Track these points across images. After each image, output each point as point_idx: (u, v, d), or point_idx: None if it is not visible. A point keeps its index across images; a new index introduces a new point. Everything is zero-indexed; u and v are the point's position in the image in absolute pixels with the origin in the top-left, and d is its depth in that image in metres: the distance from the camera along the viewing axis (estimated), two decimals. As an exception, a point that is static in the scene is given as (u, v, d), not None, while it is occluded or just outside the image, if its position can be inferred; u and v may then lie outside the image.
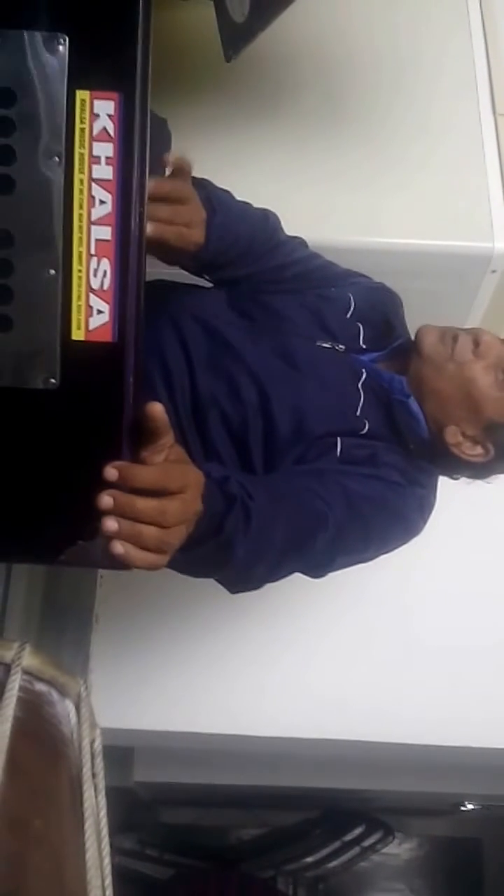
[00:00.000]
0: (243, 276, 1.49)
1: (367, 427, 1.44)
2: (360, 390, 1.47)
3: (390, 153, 1.99)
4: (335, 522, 1.28)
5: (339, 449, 1.39)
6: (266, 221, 1.49)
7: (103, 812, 0.90)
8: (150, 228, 1.16)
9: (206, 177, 1.38)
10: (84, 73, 0.93)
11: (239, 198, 1.44)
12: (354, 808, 3.31)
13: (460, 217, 1.96)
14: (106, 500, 0.89)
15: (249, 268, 1.48)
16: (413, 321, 1.61)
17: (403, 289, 1.66)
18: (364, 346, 1.53)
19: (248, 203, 1.47)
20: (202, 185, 1.36)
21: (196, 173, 1.31)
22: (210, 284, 1.53)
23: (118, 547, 0.90)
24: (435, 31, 2.14)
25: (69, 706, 0.97)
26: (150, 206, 1.14)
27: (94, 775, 0.94)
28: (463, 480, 1.61)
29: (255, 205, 1.48)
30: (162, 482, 0.94)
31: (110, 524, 0.89)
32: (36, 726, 0.92)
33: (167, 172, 1.27)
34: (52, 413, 0.96)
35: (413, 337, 1.54)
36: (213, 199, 1.36)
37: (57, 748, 0.93)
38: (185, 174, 1.28)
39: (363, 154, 1.98)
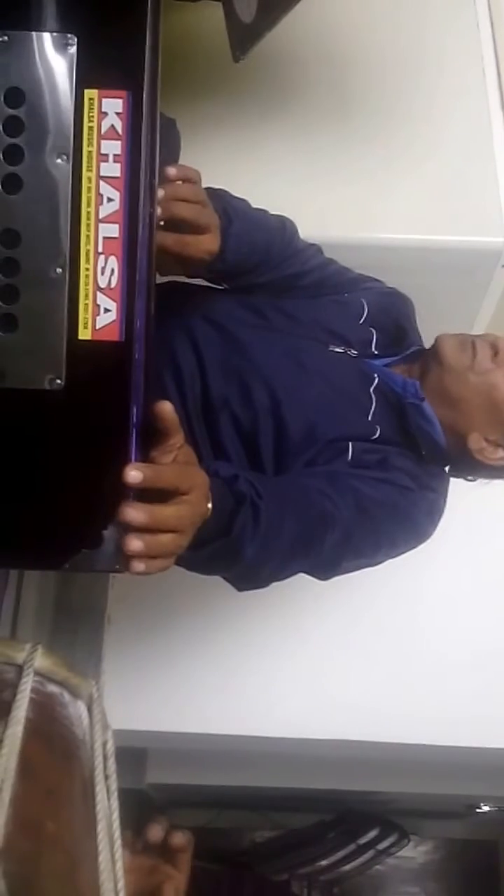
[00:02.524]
0: (260, 283, 1.48)
1: (378, 432, 1.44)
2: (372, 395, 1.47)
3: (398, 149, 1.98)
4: (344, 523, 1.28)
5: (350, 453, 1.39)
6: (283, 229, 1.48)
7: (116, 814, 0.89)
8: (166, 238, 1.16)
9: (213, 174, 1.37)
10: (92, 72, 0.94)
11: (247, 196, 1.43)
12: (369, 810, 3.29)
13: (469, 212, 1.95)
14: (133, 515, 0.89)
15: (266, 276, 1.47)
16: (422, 318, 1.62)
17: (412, 285, 1.66)
18: (376, 352, 1.53)
19: (264, 210, 1.46)
20: (218, 196, 1.35)
21: (205, 172, 1.30)
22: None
23: (139, 566, 0.91)
24: (441, 25, 2.13)
25: (81, 707, 0.96)
26: (167, 205, 1.15)
27: (106, 777, 0.93)
28: (479, 482, 1.62)
29: (264, 203, 1.47)
30: (176, 483, 0.94)
31: (136, 546, 0.90)
32: (48, 728, 0.90)
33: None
34: (58, 414, 0.96)
35: (427, 344, 1.55)
36: (230, 208, 1.35)
37: (69, 750, 0.92)
38: (195, 181, 1.26)
39: (371, 150, 1.97)
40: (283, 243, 1.48)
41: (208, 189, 1.31)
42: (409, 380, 1.50)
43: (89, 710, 0.97)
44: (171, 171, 1.21)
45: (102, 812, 0.88)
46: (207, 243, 1.29)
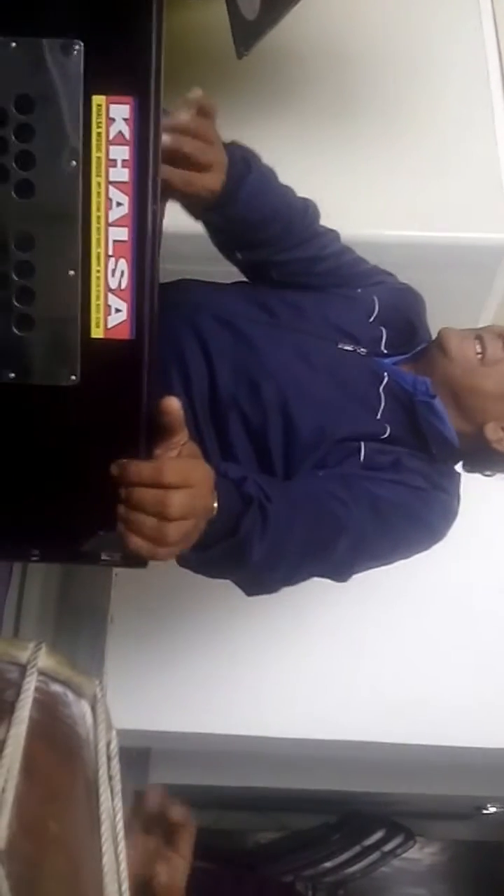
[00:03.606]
0: (278, 261, 1.47)
1: (388, 431, 1.44)
2: (382, 394, 1.47)
3: (402, 145, 1.99)
4: (357, 526, 1.28)
5: (362, 454, 1.39)
6: (306, 209, 1.47)
7: (119, 816, 0.89)
8: (173, 174, 1.15)
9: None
10: (99, 79, 0.94)
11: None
12: (374, 811, 3.28)
13: (474, 208, 1.96)
14: (115, 468, 0.95)
15: (285, 254, 1.46)
16: (429, 315, 1.63)
17: (417, 282, 1.66)
18: (386, 351, 1.53)
19: (289, 187, 1.44)
20: (242, 149, 1.32)
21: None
22: (237, 280, 1.53)
23: (120, 527, 0.94)
24: (446, 21, 2.14)
25: (85, 707, 0.97)
26: (174, 137, 1.13)
27: (110, 778, 0.93)
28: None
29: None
30: (154, 477, 0.95)
31: (119, 510, 0.94)
32: (52, 728, 0.90)
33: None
34: (72, 409, 1.00)
35: (433, 338, 1.54)
36: (252, 161, 1.33)
37: (73, 750, 0.92)
38: (209, 115, 1.21)
39: (374, 147, 1.98)
40: (305, 223, 1.47)
41: (234, 143, 1.29)
42: (419, 377, 1.50)
43: (93, 709, 0.97)
44: (198, 92, 1.18)
45: (106, 813, 0.88)
46: (208, 180, 1.23)
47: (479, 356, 1.49)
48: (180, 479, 0.96)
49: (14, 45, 0.93)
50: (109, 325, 0.97)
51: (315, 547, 1.26)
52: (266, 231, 1.41)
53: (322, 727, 2.15)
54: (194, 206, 1.29)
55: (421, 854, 3.78)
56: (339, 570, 1.36)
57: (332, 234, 1.55)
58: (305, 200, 1.48)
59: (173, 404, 0.96)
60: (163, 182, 1.01)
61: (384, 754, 2.28)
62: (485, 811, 3.23)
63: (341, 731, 2.15)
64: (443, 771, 2.63)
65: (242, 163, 1.30)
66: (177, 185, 1.18)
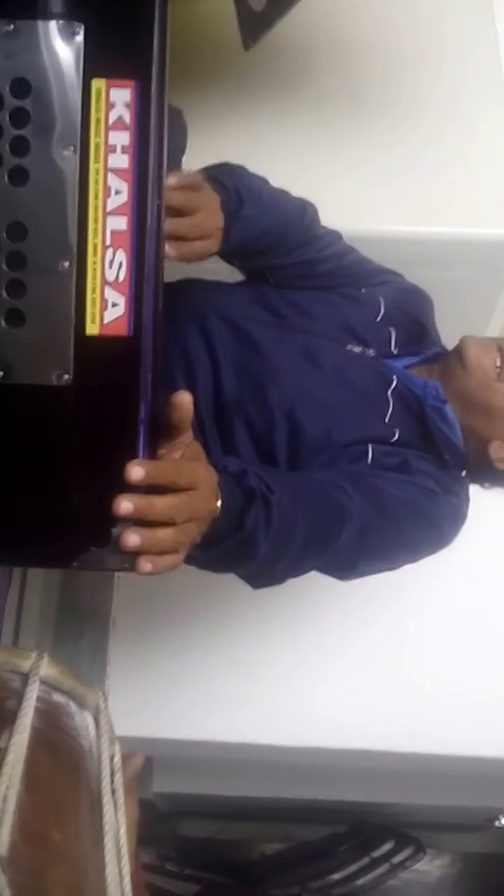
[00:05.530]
0: (274, 266, 1.47)
1: (397, 435, 1.42)
2: (390, 398, 1.45)
3: (412, 139, 1.98)
4: (360, 517, 1.25)
5: (370, 456, 1.37)
6: (303, 212, 1.46)
7: (122, 829, 0.88)
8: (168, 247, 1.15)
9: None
10: (100, 62, 0.91)
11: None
12: (383, 822, 3.26)
13: (485, 203, 1.94)
14: (125, 505, 0.87)
15: (281, 259, 1.45)
16: (439, 312, 1.60)
17: (428, 278, 1.64)
18: (396, 352, 1.51)
19: (285, 191, 1.44)
20: (234, 174, 1.34)
21: (212, 162, 1.29)
22: (238, 279, 1.51)
23: (146, 565, 0.89)
24: (458, 14, 2.12)
25: (88, 718, 0.95)
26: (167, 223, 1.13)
27: (113, 791, 0.91)
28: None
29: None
30: (172, 478, 0.92)
31: (132, 541, 0.88)
32: (54, 738, 0.89)
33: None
34: (65, 410, 0.94)
35: (447, 343, 1.54)
36: (243, 189, 1.33)
37: (76, 761, 0.91)
38: (196, 186, 1.25)
39: (384, 140, 1.96)
40: (301, 227, 1.46)
41: (225, 166, 1.30)
42: (430, 382, 1.48)
43: (96, 721, 0.96)
44: (172, 180, 1.19)
45: (109, 824, 0.87)
46: (208, 246, 1.28)
47: (498, 370, 1.46)
48: (189, 481, 0.94)
49: (12, 27, 0.90)
50: (106, 321, 0.93)
51: (319, 536, 1.24)
52: (260, 244, 1.40)
53: (329, 736, 2.12)
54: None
55: (430, 866, 3.76)
56: (344, 564, 1.34)
57: (333, 235, 1.54)
58: (303, 203, 1.48)
59: (185, 399, 0.92)
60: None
61: (393, 764, 2.26)
62: (496, 823, 3.21)
63: (349, 740, 2.12)
64: (453, 781, 2.60)
65: (234, 195, 1.31)
66: (179, 259, 1.22)
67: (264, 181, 1.41)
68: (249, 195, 1.34)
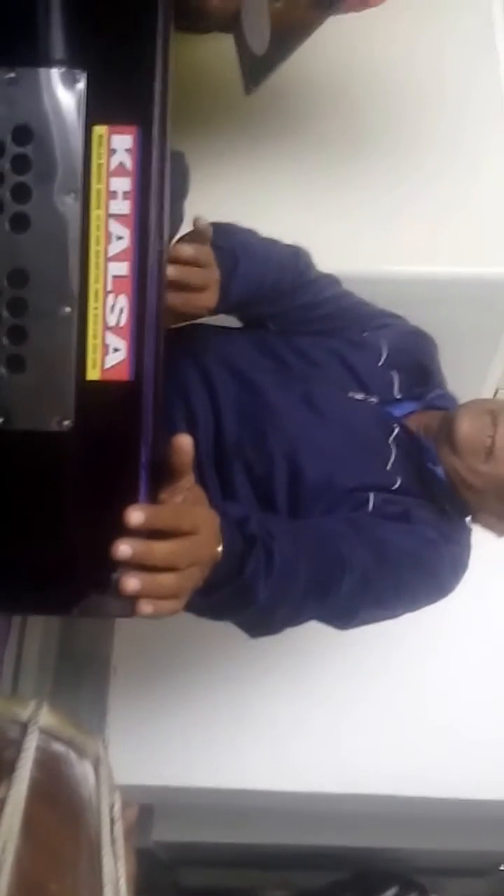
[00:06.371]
0: (270, 314, 1.47)
1: (398, 482, 1.42)
2: (392, 445, 1.44)
3: (414, 180, 1.97)
4: (361, 565, 1.24)
5: (371, 504, 1.37)
6: (296, 259, 1.47)
7: (122, 880, 0.87)
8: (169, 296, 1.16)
9: (224, 208, 1.37)
10: (101, 108, 0.92)
11: (261, 230, 1.42)
12: (387, 868, 3.22)
13: (487, 242, 1.94)
14: (123, 549, 0.86)
15: (276, 306, 1.46)
16: (441, 353, 1.61)
17: (431, 319, 1.64)
18: (398, 397, 1.51)
19: (275, 241, 1.45)
20: (225, 233, 1.35)
21: (215, 206, 1.30)
22: (239, 324, 1.51)
23: (147, 607, 0.88)
24: (460, 55, 2.12)
25: (87, 768, 0.94)
26: (170, 269, 1.16)
27: (113, 841, 0.90)
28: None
29: (277, 235, 1.46)
30: (173, 522, 0.91)
31: (132, 585, 0.86)
32: (53, 788, 0.88)
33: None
34: (65, 456, 0.94)
35: (452, 385, 1.53)
36: (238, 247, 1.35)
37: (75, 811, 0.90)
38: (205, 238, 1.27)
39: (386, 183, 1.96)
40: (295, 273, 1.47)
41: (214, 225, 1.31)
42: (425, 441, 1.47)
43: (96, 770, 0.94)
44: (188, 251, 1.23)
45: (109, 876, 0.85)
46: (206, 300, 1.30)
47: (490, 440, 1.44)
48: (191, 525, 0.93)
49: (14, 74, 0.90)
50: (107, 366, 0.92)
51: (319, 585, 1.23)
52: (258, 295, 1.42)
53: (331, 780, 2.11)
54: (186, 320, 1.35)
55: (436, 912, 3.72)
56: (344, 614, 1.33)
57: (329, 279, 1.55)
58: (295, 250, 1.49)
59: (186, 442, 0.92)
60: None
61: (396, 808, 2.24)
62: (502, 868, 3.17)
63: (350, 785, 2.11)
64: (458, 826, 2.57)
65: (229, 254, 1.33)
66: (179, 309, 1.25)
67: (253, 233, 1.43)
68: (244, 251, 1.36)
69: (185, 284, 1.24)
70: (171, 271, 1.18)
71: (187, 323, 1.41)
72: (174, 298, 1.23)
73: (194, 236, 1.26)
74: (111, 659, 2.17)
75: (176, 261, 1.21)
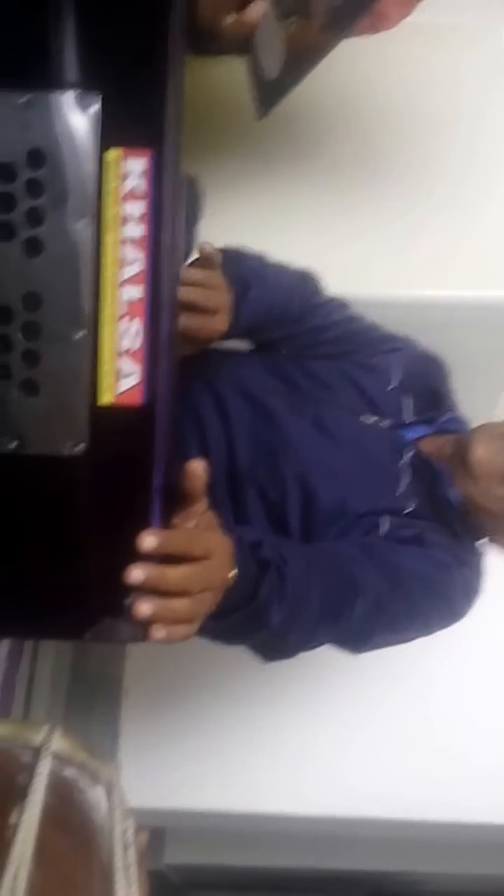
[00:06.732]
0: (279, 338, 1.48)
1: (411, 506, 1.42)
2: (404, 469, 1.45)
3: (426, 204, 1.98)
4: (374, 590, 1.24)
5: (385, 528, 1.37)
6: (304, 284, 1.48)
7: None
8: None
9: (236, 231, 1.37)
10: (115, 132, 0.91)
11: (273, 254, 1.43)
12: (401, 891, 3.20)
13: (499, 266, 1.94)
14: (136, 574, 0.86)
15: (285, 330, 1.47)
16: (453, 376, 1.60)
17: (442, 343, 1.64)
18: (410, 420, 1.51)
19: (283, 266, 1.45)
20: (234, 259, 1.36)
21: (227, 229, 1.31)
22: (249, 346, 1.52)
23: (159, 632, 0.88)
24: (472, 79, 2.13)
25: (100, 793, 0.93)
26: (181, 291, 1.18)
27: (126, 867, 0.89)
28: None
29: (290, 259, 1.46)
30: (186, 547, 0.91)
31: (144, 609, 0.87)
32: (66, 813, 0.87)
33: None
34: (78, 480, 0.93)
35: (463, 409, 1.53)
36: (248, 272, 1.36)
37: (87, 837, 0.89)
38: (213, 263, 1.29)
39: (399, 207, 1.96)
40: (304, 298, 1.48)
41: (224, 251, 1.31)
42: (438, 465, 1.46)
43: (108, 795, 0.94)
44: (198, 275, 1.25)
45: (122, 903, 0.84)
46: (217, 324, 1.30)
47: (501, 475, 1.43)
48: (203, 550, 0.93)
49: (27, 98, 0.90)
50: (120, 390, 0.92)
51: (332, 609, 1.23)
52: (268, 319, 1.43)
53: (343, 804, 2.09)
54: (196, 344, 1.34)
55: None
56: (357, 637, 1.33)
57: (338, 302, 1.56)
58: (303, 274, 1.50)
59: (199, 467, 0.92)
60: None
61: (409, 832, 2.22)
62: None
63: (365, 809, 2.09)
64: (471, 849, 2.55)
65: (239, 280, 1.34)
66: (191, 332, 1.26)
67: (262, 258, 1.44)
68: (254, 276, 1.37)
69: (197, 307, 1.25)
70: (184, 293, 1.19)
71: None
72: (186, 321, 1.23)
73: (203, 262, 1.28)
74: (123, 682, 2.16)
75: (185, 283, 1.22)
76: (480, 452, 1.43)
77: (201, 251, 1.29)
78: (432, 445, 1.51)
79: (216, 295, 1.30)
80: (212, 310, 1.29)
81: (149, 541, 0.87)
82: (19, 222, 0.91)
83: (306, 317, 1.49)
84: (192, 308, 1.25)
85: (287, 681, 2.08)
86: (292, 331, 1.49)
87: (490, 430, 1.47)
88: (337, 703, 2.15)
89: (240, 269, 1.37)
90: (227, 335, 1.37)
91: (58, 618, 0.96)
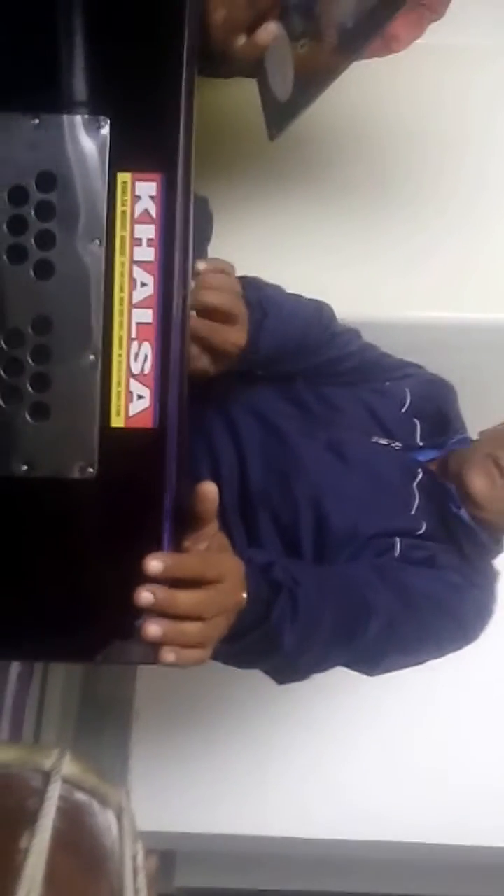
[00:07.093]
0: (296, 370, 1.46)
1: (423, 527, 1.41)
2: (416, 490, 1.44)
3: (438, 226, 1.99)
4: (387, 612, 1.23)
5: (397, 550, 1.36)
6: (320, 315, 1.46)
7: None
8: (196, 323, 1.14)
9: (246, 254, 1.35)
10: (125, 155, 0.92)
11: (280, 276, 1.42)
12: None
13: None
14: (145, 596, 0.85)
15: (302, 362, 1.45)
16: (462, 398, 1.61)
17: (453, 364, 1.64)
18: (421, 444, 1.51)
19: (299, 296, 1.44)
20: (252, 286, 1.34)
21: (237, 251, 1.29)
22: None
23: (169, 655, 0.87)
24: (483, 101, 2.14)
25: (111, 817, 0.92)
26: (198, 294, 1.14)
27: (136, 892, 0.89)
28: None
29: (299, 283, 1.45)
30: (199, 571, 0.90)
31: (153, 630, 0.85)
32: (76, 838, 0.87)
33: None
34: (89, 504, 0.93)
35: (470, 431, 1.53)
36: (265, 300, 1.33)
37: (98, 861, 0.89)
38: (228, 273, 1.25)
39: (410, 228, 1.98)
40: (320, 329, 1.46)
41: (241, 278, 1.30)
42: (447, 485, 1.47)
43: (119, 820, 0.93)
44: (201, 265, 1.17)
45: (133, 927, 0.84)
46: (235, 335, 1.25)
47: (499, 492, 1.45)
48: (216, 574, 0.92)
49: (38, 121, 0.91)
50: (131, 413, 0.92)
51: (345, 631, 1.22)
52: (284, 350, 1.39)
53: (353, 827, 2.09)
54: (213, 358, 1.26)
55: None
56: (370, 660, 1.32)
57: (352, 333, 1.55)
58: (318, 304, 1.48)
59: (210, 490, 0.91)
60: (191, 335, 1.03)
61: (420, 854, 2.21)
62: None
63: (374, 832, 2.09)
64: (480, 872, 2.53)
65: (257, 306, 1.30)
66: (204, 335, 1.19)
67: (279, 288, 1.41)
68: (271, 305, 1.33)
69: (216, 310, 1.20)
70: (201, 296, 1.16)
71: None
72: (204, 327, 1.18)
73: (220, 269, 1.23)
74: (134, 704, 2.16)
75: (205, 286, 1.17)
76: (479, 485, 1.45)
77: (195, 270, 1.19)
78: (443, 466, 1.52)
79: (235, 300, 1.24)
80: (231, 316, 1.23)
81: (154, 565, 0.86)
82: (29, 245, 0.91)
83: (322, 348, 1.47)
84: (209, 314, 1.19)
85: (296, 705, 2.07)
86: (308, 363, 1.47)
87: (476, 455, 1.48)
88: (345, 729, 2.15)
89: (257, 296, 1.33)
90: (247, 364, 1.32)
91: (69, 640, 0.96)
